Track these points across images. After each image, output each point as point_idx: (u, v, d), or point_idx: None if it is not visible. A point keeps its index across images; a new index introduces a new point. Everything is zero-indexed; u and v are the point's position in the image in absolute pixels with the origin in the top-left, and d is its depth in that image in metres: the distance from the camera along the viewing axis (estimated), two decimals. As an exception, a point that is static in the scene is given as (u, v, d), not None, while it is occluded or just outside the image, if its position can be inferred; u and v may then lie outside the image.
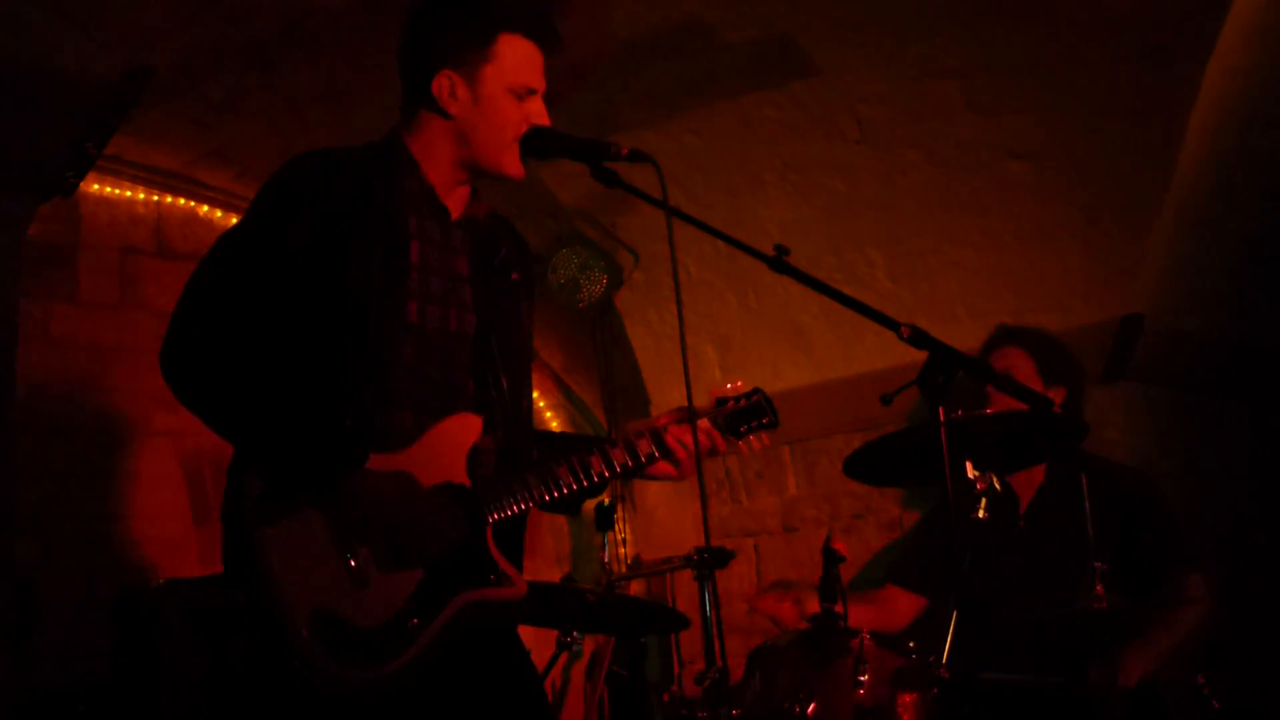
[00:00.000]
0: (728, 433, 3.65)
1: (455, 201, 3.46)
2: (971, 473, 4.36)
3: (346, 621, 3.09)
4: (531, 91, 3.40)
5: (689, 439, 3.52)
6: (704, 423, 3.61)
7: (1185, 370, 6.55)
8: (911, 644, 4.44)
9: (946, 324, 6.48)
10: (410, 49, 3.43)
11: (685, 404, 3.51)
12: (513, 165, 3.41)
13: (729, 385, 3.75)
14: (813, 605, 4.48)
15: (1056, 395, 5.22)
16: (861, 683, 4.29)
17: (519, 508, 3.34)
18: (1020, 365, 5.19)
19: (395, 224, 3.32)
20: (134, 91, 5.51)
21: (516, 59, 3.38)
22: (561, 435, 4.15)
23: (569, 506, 3.58)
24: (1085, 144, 6.04)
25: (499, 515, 3.31)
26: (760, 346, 7.10)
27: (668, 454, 3.54)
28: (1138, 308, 6.16)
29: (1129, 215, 6.08)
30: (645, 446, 3.51)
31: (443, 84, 3.35)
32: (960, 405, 4.61)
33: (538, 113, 3.40)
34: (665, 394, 7.48)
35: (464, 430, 3.33)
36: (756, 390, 3.70)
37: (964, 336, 6.31)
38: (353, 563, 3.14)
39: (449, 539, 3.19)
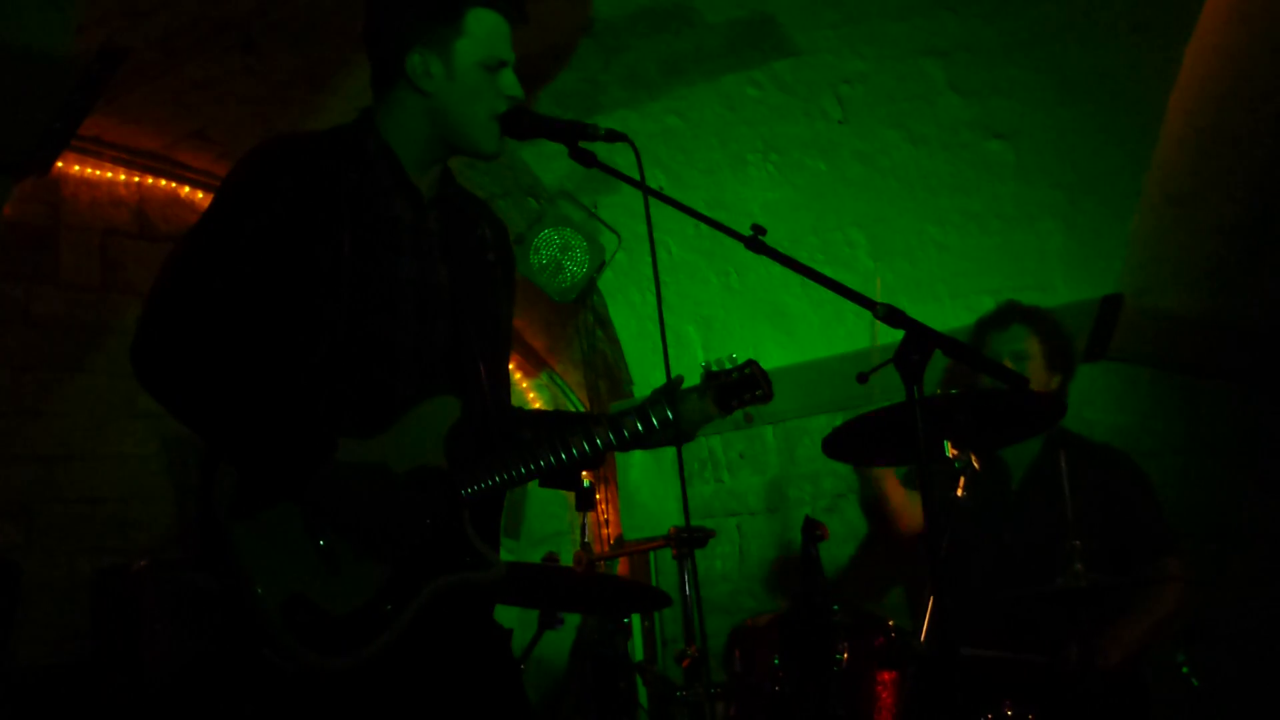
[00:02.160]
0: (719, 406, 3.62)
1: (428, 182, 3.45)
2: (950, 452, 4.37)
3: (320, 608, 3.08)
4: (503, 63, 3.38)
5: (683, 415, 3.49)
6: (694, 398, 3.59)
7: (1165, 350, 6.57)
8: (891, 621, 4.46)
9: (928, 304, 6.49)
10: (379, 30, 3.41)
11: (670, 384, 3.50)
12: (488, 141, 3.40)
13: (720, 359, 3.73)
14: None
15: (1055, 382, 5.22)
16: (841, 660, 4.31)
17: (496, 488, 3.33)
18: (1029, 348, 5.19)
19: (368, 209, 3.30)
20: (108, 71, 5.50)
21: (486, 31, 3.36)
22: (547, 413, 4.14)
23: (566, 481, 3.57)
24: (1066, 124, 6.05)
25: (475, 497, 3.30)
26: (742, 327, 7.10)
27: (653, 431, 3.51)
28: (1118, 287, 6.17)
29: (1110, 195, 6.09)
30: (631, 425, 3.49)
31: (415, 61, 3.34)
32: (940, 384, 4.64)
33: (510, 84, 3.39)
34: (648, 375, 7.48)
35: (441, 413, 3.32)
36: (750, 362, 3.66)
37: (945, 317, 6.34)
38: (326, 550, 3.13)
39: (423, 524, 3.19)
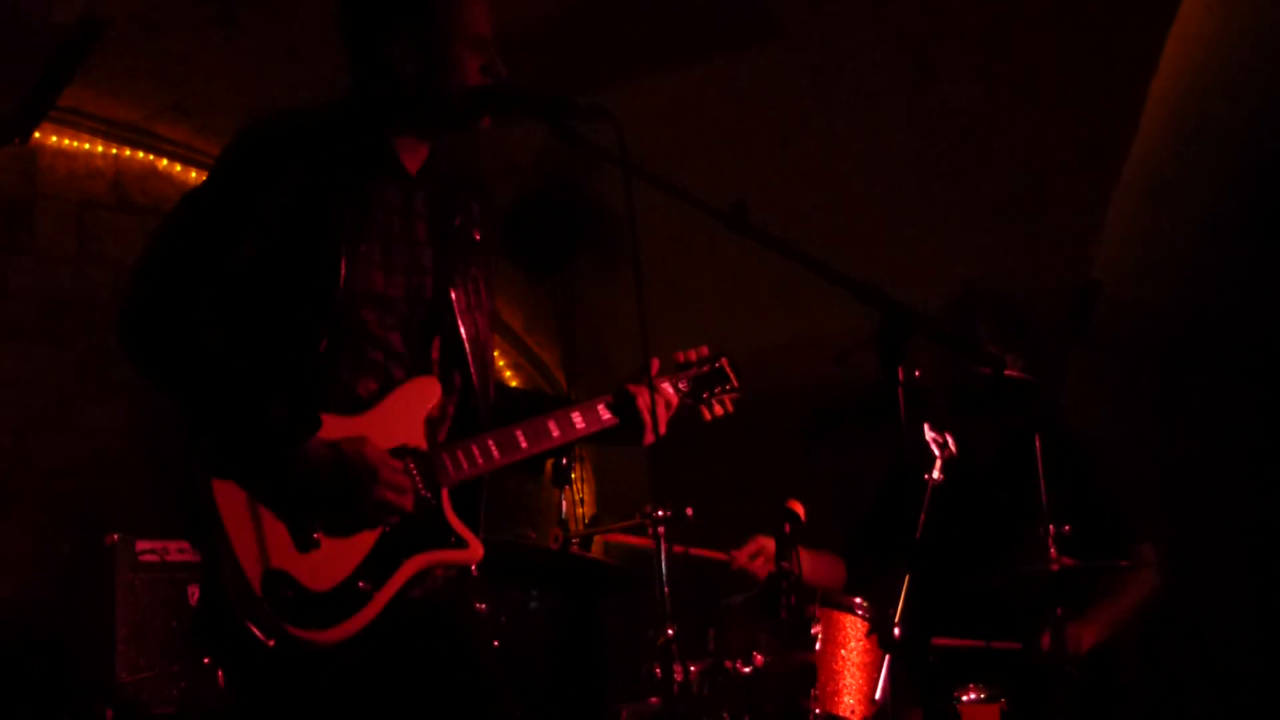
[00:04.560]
0: (690, 398, 3.66)
1: (415, 161, 3.43)
2: (928, 434, 4.38)
3: (300, 584, 3.07)
4: (482, 40, 3.36)
5: (647, 402, 3.52)
6: (666, 388, 3.63)
7: (1141, 338, 6.58)
8: (865, 604, 4.47)
9: (903, 289, 6.45)
10: (354, 21, 3.37)
11: (649, 367, 3.52)
12: (470, 119, 3.39)
13: (692, 351, 3.76)
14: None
15: (1013, 362, 5.22)
16: (815, 640, 4.33)
17: (476, 471, 3.34)
18: (981, 334, 5.19)
19: (360, 191, 3.28)
20: (89, 40, 5.48)
21: (464, 12, 3.34)
22: (525, 394, 4.13)
23: (530, 467, 3.57)
24: (1044, 112, 6.05)
25: (455, 479, 3.30)
26: (719, 308, 7.10)
27: (626, 418, 3.54)
28: (1095, 275, 6.19)
29: (1087, 183, 6.10)
30: (603, 410, 3.52)
31: (395, 49, 3.31)
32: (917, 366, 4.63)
33: (491, 60, 3.37)
34: (625, 354, 7.48)
35: (422, 394, 3.32)
36: (720, 355, 3.71)
37: (921, 302, 6.32)
38: (306, 526, 3.12)
39: (401, 503, 3.18)
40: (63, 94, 6.24)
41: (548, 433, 3.43)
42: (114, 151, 7.20)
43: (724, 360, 3.73)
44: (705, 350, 3.78)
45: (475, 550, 3.31)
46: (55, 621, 6.16)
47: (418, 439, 3.28)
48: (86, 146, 7.10)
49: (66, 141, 7.03)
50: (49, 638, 6.07)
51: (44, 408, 6.82)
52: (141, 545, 5.91)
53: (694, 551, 4.89)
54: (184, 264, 3.14)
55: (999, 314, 5.19)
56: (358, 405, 3.23)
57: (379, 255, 3.29)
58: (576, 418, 3.48)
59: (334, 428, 3.16)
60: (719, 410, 3.78)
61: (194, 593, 5.61)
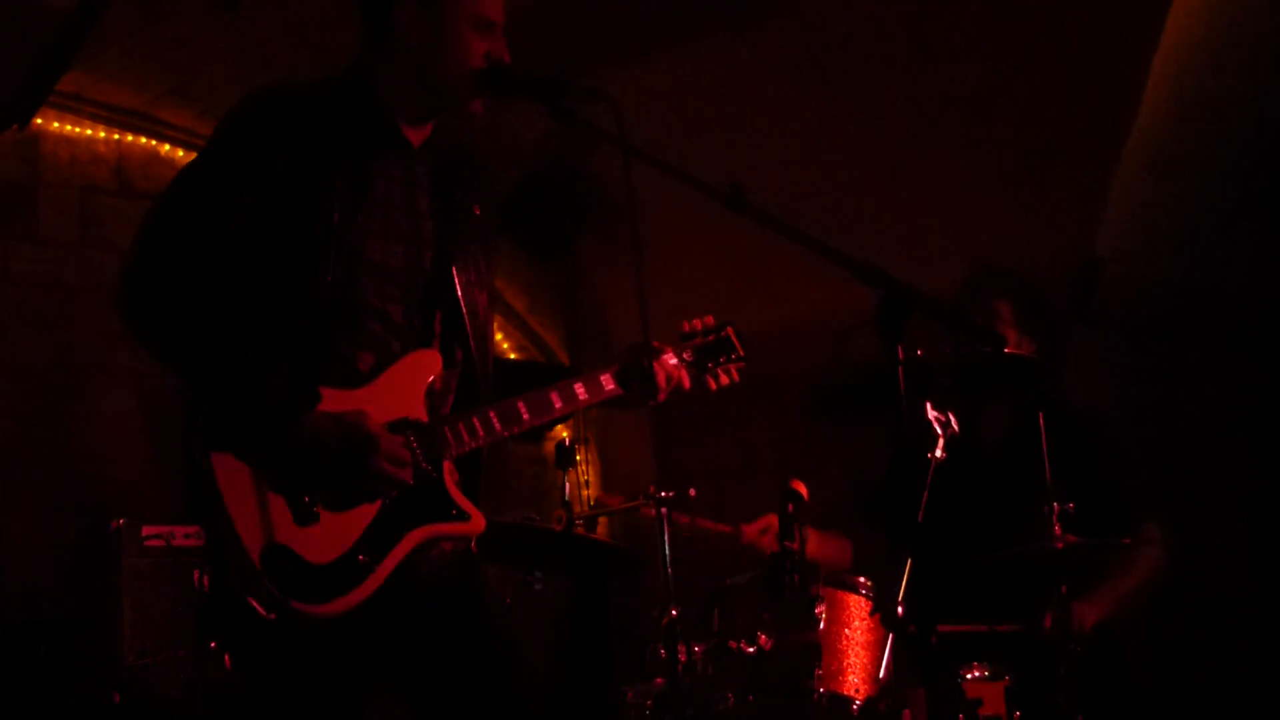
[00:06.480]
0: (695, 368, 3.66)
1: (417, 134, 3.44)
2: (931, 413, 4.38)
3: (299, 558, 3.08)
4: (491, 25, 3.38)
5: (657, 373, 3.53)
6: (670, 358, 3.62)
7: (1144, 315, 6.58)
8: (868, 583, 4.48)
9: (906, 268, 6.45)
10: None
11: (649, 341, 3.52)
12: (469, 98, 3.40)
13: (697, 320, 3.76)
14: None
15: (1026, 346, 5.21)
16: (819, 620, 4.34)
17: (478, 443, 3.34)
18: (999, 308, 5.18)
19: (359, 159, 3.29)
20: (88, 22, 5.48)
21: None
22: (526, 365, 4.12)
23: (532, 435, 3.57)
24: (1046, 89, 6.04)
25: (457, 451, 3.31)
26: (720, 288, 7.09)
27: (631, 390, 3.55)
28: (1097, 253, 6.18)
29: (1090, 160, 6.09)
30: (607, 381, 3.52)
31: (403, 16, 3.33)
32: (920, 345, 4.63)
33: (497, 47, 3.38)
34: (629, 335, 7.46)
35: (423, 366, 3.33)
36: (726, 324, 3.70)
37: (921, 282, 6.31)
38: (306, 499, 3.12)
39: (401, 476, 3.18)
40: (63, 79, 6.22)
41: (550, 404, 3.44)
42: (116, 137, 7.20)
43: (729, 329, 3.72)
44: (710, 319, 3.78)
45: (477, 522, 3.32)
46: (61, 606, 6.17)
47: (419, 412, 3.29)
48: (88, 132, 7.10)
49: (68, 127, 7.03)
50: (55, 622, 6.07)
51: (48, 394, 6.82)
52: (147, 530, 5.92)
53: (701, 523, 4.89)
54: (183, 232, 3.15)
55: (1022, 295, 5.17)
56: (357, 379, 3.24)
57: (377, 223, 3.29)
58: (579, 389, 3.49)
59: (334, 401, 3.17)
60: (724, 380, 3.77)
61: (199, 577, 5.63)
